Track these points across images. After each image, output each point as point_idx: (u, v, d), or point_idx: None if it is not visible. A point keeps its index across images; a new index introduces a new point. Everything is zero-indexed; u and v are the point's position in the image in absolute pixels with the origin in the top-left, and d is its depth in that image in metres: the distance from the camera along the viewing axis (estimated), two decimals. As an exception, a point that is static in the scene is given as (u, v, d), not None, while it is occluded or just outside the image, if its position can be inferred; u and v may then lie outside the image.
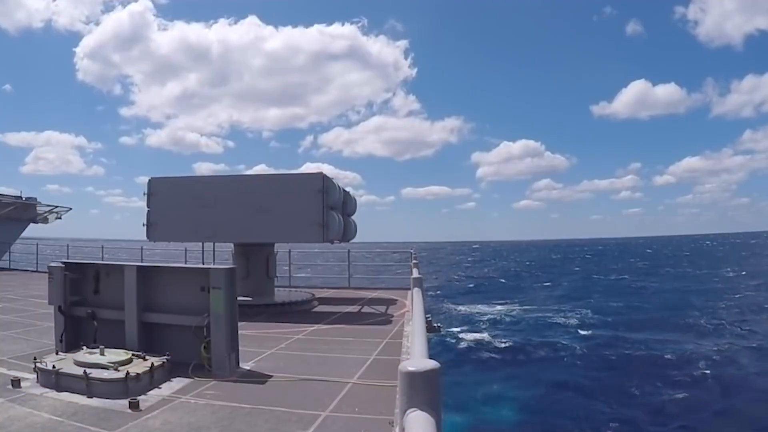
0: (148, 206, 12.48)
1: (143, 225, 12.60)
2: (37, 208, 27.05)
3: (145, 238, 12.69)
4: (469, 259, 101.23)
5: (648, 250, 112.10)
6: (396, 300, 13.47)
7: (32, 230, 27.13)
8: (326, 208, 11.64)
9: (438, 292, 43.09)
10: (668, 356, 21.05)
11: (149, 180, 12.63)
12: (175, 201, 12.38)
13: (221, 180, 13.08)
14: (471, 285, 51.94)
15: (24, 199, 26.46)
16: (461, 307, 35.28)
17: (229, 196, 12.12)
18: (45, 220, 27.49)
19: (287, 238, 12.81)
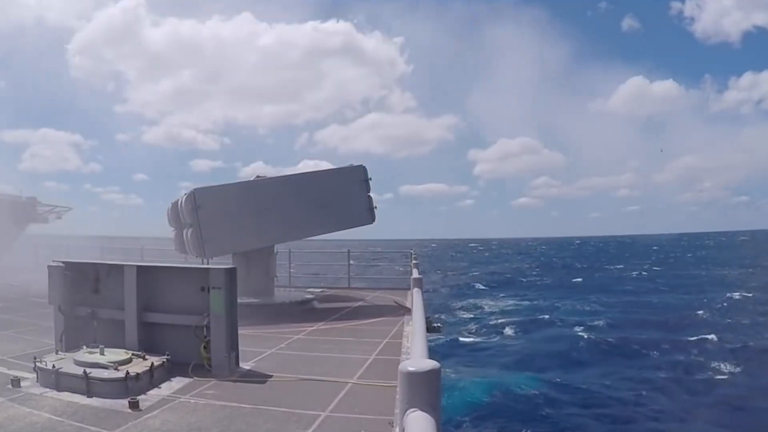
0: (192, 222, 11.54)
1: (185, 245, 12.05)
2: (37, 208, 27.08)
3: (196, 257, 11.87)
4: (462, 257, 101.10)
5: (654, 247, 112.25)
6: (396, 300, 13.47)
7: (32, 229, 27.15)
8: (370, 194, 13.24)
9: (441, 289, 43.09)
10: (676, 354, 21.00)
11: (193, 192, 11.56)
12: (228, 210, 11.66)
13: (273, 182, 13.09)
14: (473, 282, 51.89)
15: (24, 198, 26.50)
16: (461, 304, 35.28)
17: (287, 196, 12.33)
18: (45, 220, 27.52)
19: (343, 226, 13.65)
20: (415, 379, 2.06)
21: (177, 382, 6.10)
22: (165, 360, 6.29)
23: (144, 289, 7.17)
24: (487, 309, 34.40)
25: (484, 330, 27.33)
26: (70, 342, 7.12)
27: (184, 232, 12.27)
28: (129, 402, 5.26)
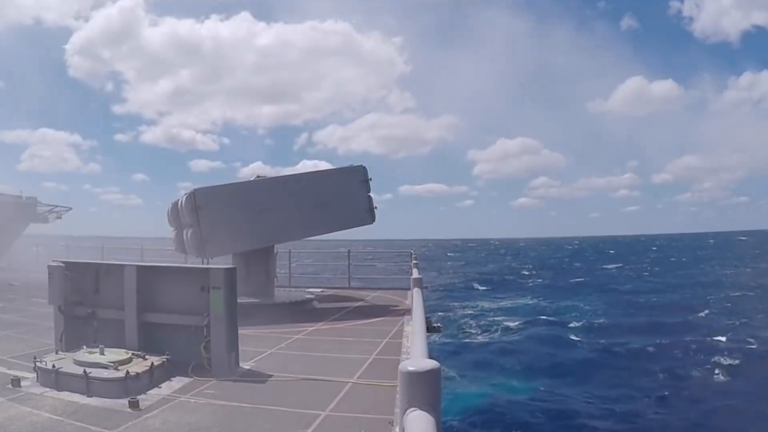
0: (193, 222, 11.60)
1: (185, 245, 12.09)
2: (38, 208, 27.09)
3: (196, 257, 11.93)
4: (458, 257, 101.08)
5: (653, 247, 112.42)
6: (396, 300, 13.48)
7: (32, 229, 27.16)
8: (370, 195, 13.34)
9: (441, 289, 43.08)
10: (677, 356, 20.97)
11: (193, 192, 11.61)
12: (229, 211, 11.67)
13: (273, 182, 13.12)
14: (470, 281, 51.90)
15: (24, 198, 26.51)
16: (458, 303, 35.27)
17: (287, 196, 12.35)
18: (45, 220, 27.54)
19: (343, 226, 13.72)
20: (415, 378, 2.06)
21: (177, 382, 6.11)
22: (165, 360, 6.29)
23: (144, 290, 7.17)
24: (485, 308, 34.40)
25: (484, 330, 27.31)
26: (70, 342, 7.13)
27: (185, 232, 12.28)
28: (129, 402, 5.26)
